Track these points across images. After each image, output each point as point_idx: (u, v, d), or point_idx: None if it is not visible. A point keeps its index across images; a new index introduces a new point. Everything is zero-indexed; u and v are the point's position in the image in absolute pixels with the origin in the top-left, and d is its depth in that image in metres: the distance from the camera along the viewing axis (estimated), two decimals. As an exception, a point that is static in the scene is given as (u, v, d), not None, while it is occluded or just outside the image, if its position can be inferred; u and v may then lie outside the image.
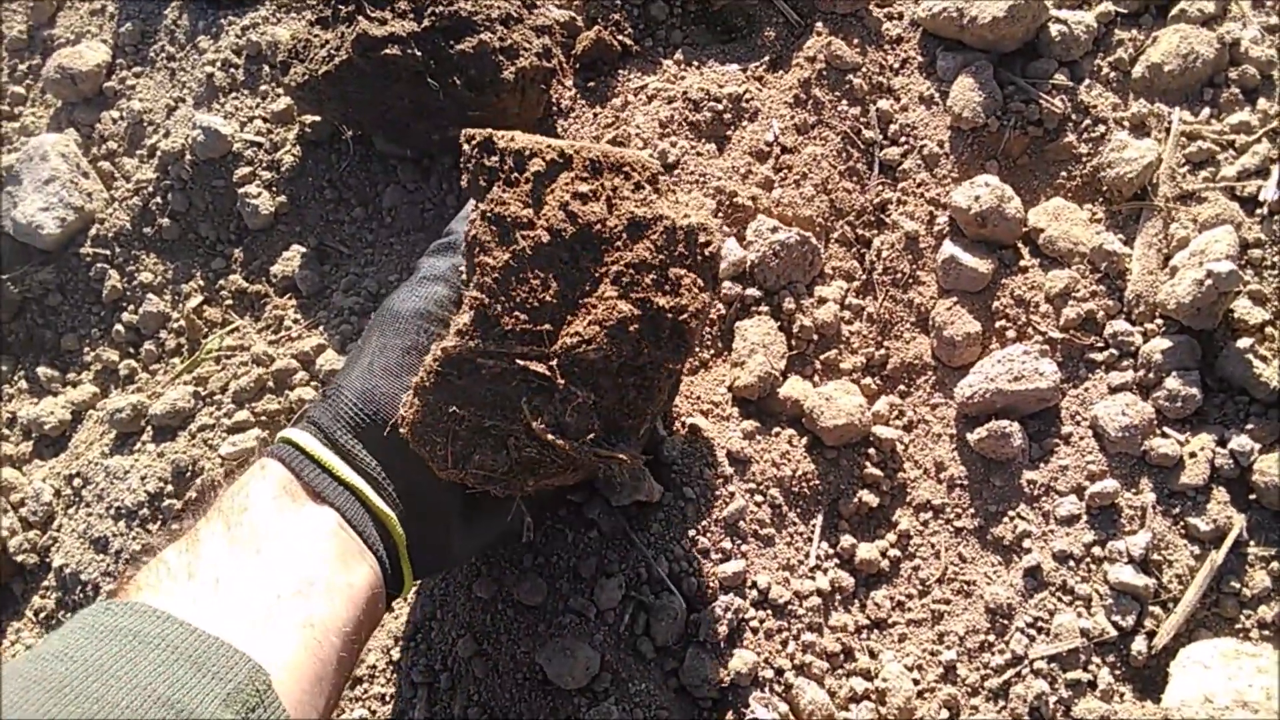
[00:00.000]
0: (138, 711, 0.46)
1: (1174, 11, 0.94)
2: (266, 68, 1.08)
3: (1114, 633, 0.79)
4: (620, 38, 1.04)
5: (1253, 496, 0.80)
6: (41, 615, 0.96)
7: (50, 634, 0.52)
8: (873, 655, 0.84)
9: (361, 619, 0.62)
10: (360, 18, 0.92)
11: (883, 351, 0.92)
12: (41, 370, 1.06)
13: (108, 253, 1.07)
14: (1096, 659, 0.79)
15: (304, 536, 0.62)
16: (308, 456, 0.65)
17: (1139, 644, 0.78)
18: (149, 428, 0.98)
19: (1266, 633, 0.78)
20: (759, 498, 0.87)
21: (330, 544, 0.62)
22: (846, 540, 0.86)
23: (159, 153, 1.07)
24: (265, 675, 0.51)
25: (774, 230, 0.91)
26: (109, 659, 0.48)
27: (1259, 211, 0.86)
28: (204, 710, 0.47)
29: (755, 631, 0.83)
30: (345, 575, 0.62)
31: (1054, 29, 0.94)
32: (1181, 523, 0.81)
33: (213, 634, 0.51)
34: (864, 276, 0.95)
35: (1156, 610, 0.79)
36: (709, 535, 0.85)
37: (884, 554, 0.86)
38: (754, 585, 0.84)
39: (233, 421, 0.95)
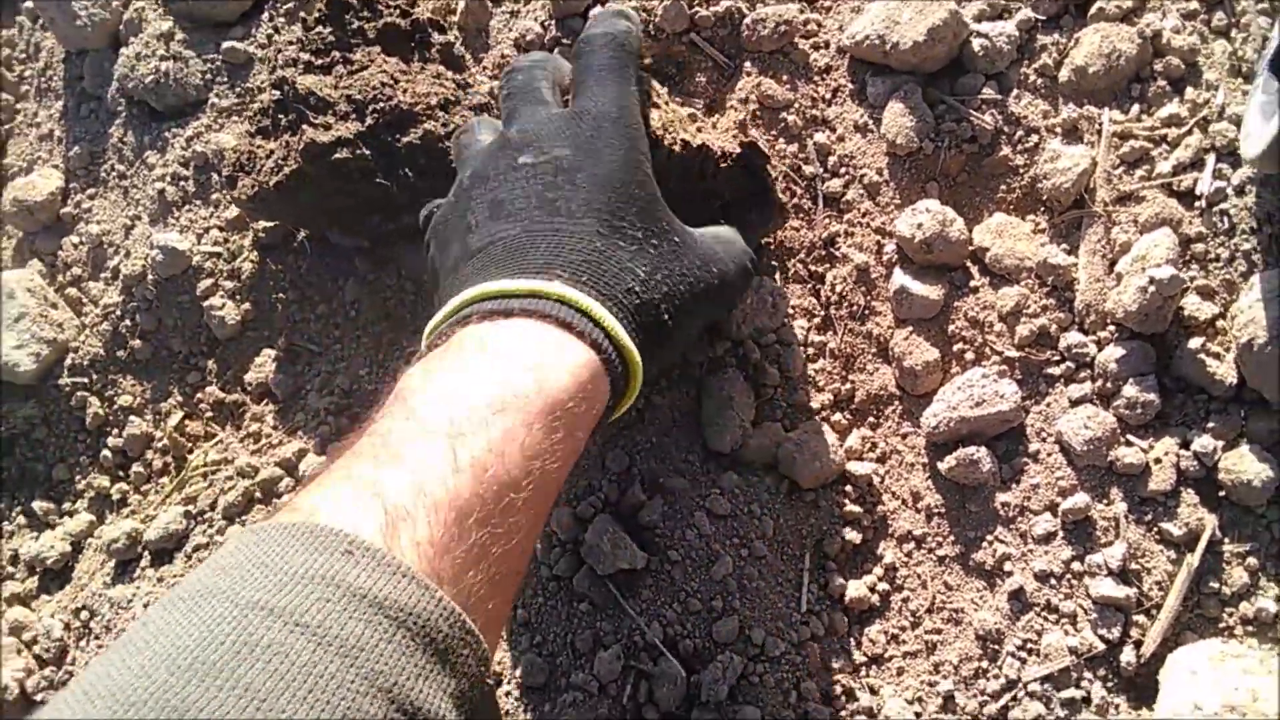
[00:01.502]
0: (375, 717, 0.39)
1: (1092, 10, 0.94)
2: (215, 176, 1.10)
3: (1102, 646, 0.80)
4: (555, 101, 1.05)
5: (1222, 494, 0.81)
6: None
7: (255, 561, 0.43)
8: (873, 692, 0.85)
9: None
10: (305, 126, 0.93)
11: (848, 386, 0.93)
12: (37, 504, 1.09)
13: (86, 380, 1.09)
14: (1088, 674, 0.80)
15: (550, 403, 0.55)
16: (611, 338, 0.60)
17: (1128, 654, 0.80)
18: (146, 553, 1.01)
19: (1250, 628, 0.79)
20: (744, 551, 0.88)
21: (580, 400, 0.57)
22: (835, 581, 0.88)
23: (122, 275, 1.09)
24: (487, 653, 0.46)
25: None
26: (356, 643, 0.41)
27: (1198, 205, 0.87)
28: (439, 715, 0.42)
29: (756, 685, 0.85)
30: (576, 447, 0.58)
31: (976, 43, 0.95)
32: (1155, 529, 0.82)
33: (456, 609, 0.45)
34: (821, 312, 0.96)
35: (1141, 619, 0.80)
36: (699, 595, 0.87)
37: (873, 589, 0.88)
38: (749, 640, 0.86)
39: (225, 537, 0.97)
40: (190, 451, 1.05)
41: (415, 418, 0.52)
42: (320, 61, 0.97)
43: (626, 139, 0.66)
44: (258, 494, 0.99)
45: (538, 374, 0.55)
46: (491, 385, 0.53)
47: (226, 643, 0.38)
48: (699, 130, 0.83)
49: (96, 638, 0.99)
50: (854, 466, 0.90)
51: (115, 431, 1.08)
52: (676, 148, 0.76)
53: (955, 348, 0.90)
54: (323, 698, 0.38)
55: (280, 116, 0.96)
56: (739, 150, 0.82)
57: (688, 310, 0.67)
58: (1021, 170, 0.93)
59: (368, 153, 0.92)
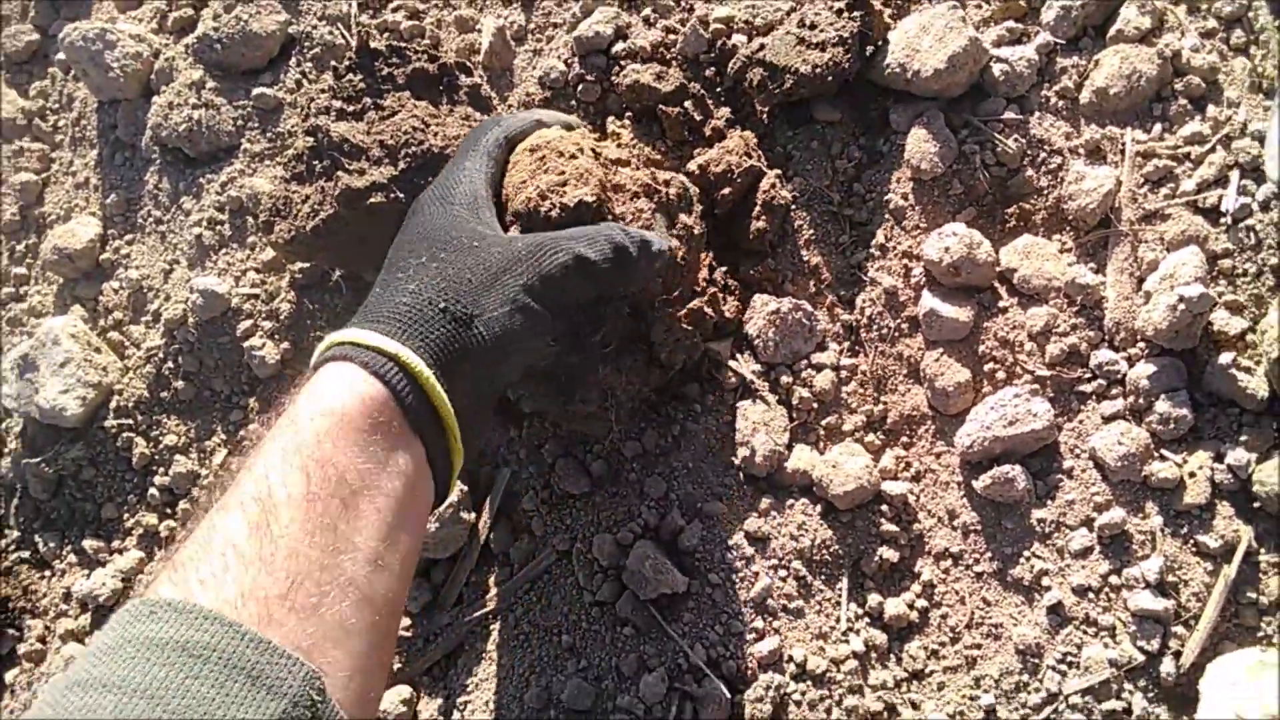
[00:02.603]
0: None
1: (1111, 32, 0.95)
2: (250, 220, 1.12)
3: (1141, 658, 0.81)
4: (581, 135, 1.07)
5: (1256, 506, 0.82)
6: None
7: (91, 645, 0.48)
8: (915, 707, 0.87)
9: (411, 552, 0.62)
10: (339, 171, 0.95)
11: (881, 407, 0.95)
12: (87, 543, 1.11)
13: (131, 421, 1.12)
14: (1129, 686, 0.82)
15: (392, 485, 0.60)
16: (415, 382, 0.63)
17: (1167, 665, 0.81)
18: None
19: (1289, 638, 0.80)
20: (783, 572, 0.90)
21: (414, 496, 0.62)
22: (874, 599, 0.89)
23: (163, 319, 1.12)
24: (319, 679, 0.49)
25: (766, 304, 0.94)
26: (160, 686, 0.44)
27: (1223, 221, 0.88)
28: None
29: (799, 704, 0.86)
30: (416, 536, 0.63)
31: (996, 69, 0.96)
32: (1191, 542, 0.83)
33: (265, 637, 0.48)
34: (853, 336, 0.97)
35: (1179, 630, 0.82)
36: (740, 617, 0.89)
37: (911, 606, 0.89)
38: (791, 659, 0.87)
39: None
40: (235, 489, 1.07)
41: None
42: (352, 108, 0.99)
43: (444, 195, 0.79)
44: (303, 529, 1.01)
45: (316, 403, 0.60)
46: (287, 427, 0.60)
47: (44, 712, 0.45)
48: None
49: (150, 675, 1.01)
50: (889, 486, 0.91)
51: (162, 470, 1.10)
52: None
53: (986, 368, 0.92)
54: None
55: (315, 162, 0.98)
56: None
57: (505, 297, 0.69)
58: (1046, 191, 0.95)
59: (401, 195, 0.95)
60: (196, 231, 1.14)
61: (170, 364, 1.12)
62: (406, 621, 0.97)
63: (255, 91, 1.15)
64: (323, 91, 1.00)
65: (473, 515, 0.97)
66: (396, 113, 0.98)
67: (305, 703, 0.47)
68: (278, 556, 0.51)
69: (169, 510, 1.10)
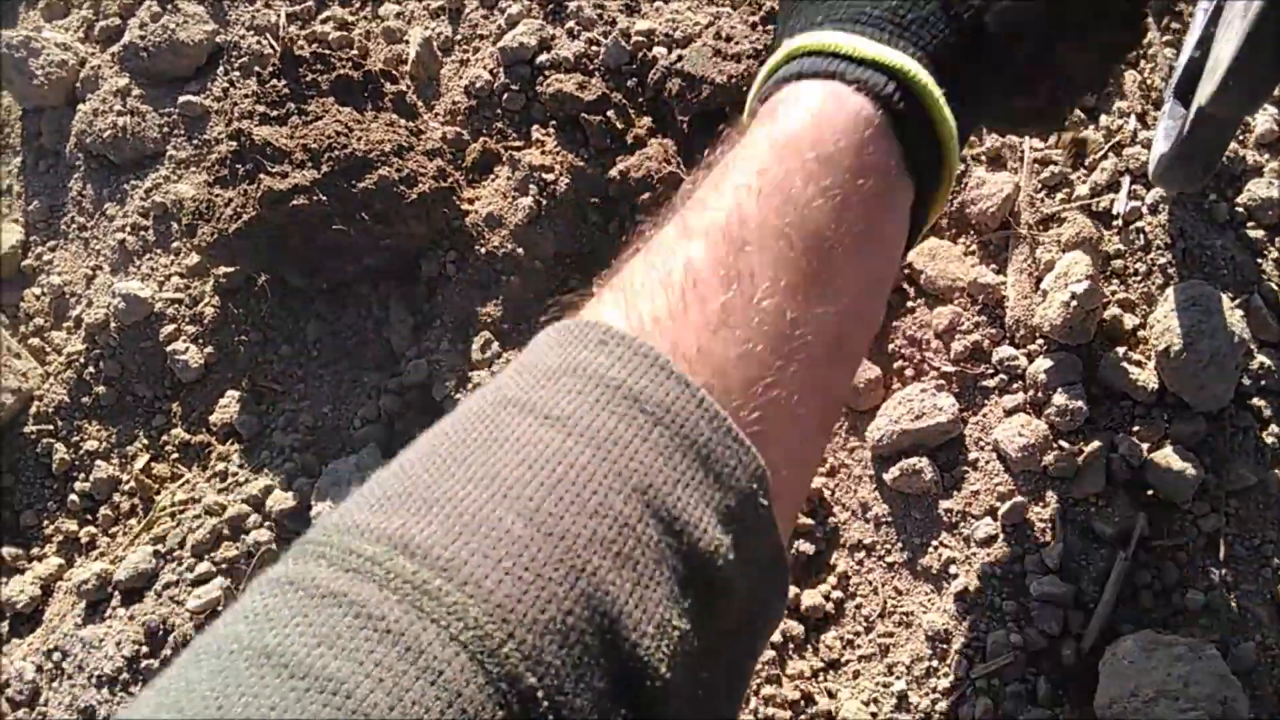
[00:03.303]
0: (628, 518, 0.35)
1: (1010, 46, 1.00)
2: (175, 225, 1.13)
3: (1044, 642, 0.84)
4: (506, 144, 1.09)
5: (1150, 493, 0.86)
6: (42, 796, 1.00)
7: (525, 355, 0.41)
8: (831, 695, 0.89)
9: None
10: (261, 175, 0.96)
11: (797, 405, 0.97)
12: (6, 550, 1.10)
13: (51, 427, 1.11)
14: (1032, 669, 0.84)
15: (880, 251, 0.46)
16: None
17: (1068, 648, 0.84)
18: (116, 593, 1.02)
19: (1181, 618, 0.83)
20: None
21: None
22: (791, 590, 0.92)
23: (85, 324, 1.11)
24: (766, 480, 0.39)
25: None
26: (609, 436, 0.36)
27: (1115, 224, 0.93)
28: (703, 529, 0.36)
29: (717, 695, 0.88)
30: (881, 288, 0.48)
31: (904, 79, 1.00)
32: (1089, 528, 0.86)
33: (722, 412, 0.38)
34: (768, 337, 1.00)
35: (1079, 615, 0.85)
36: (660, 611, 0.90)
37: (827, 597, 0.91)
38: (709, 651, 0.89)
39: (195, 575, 0.99)
40: (158, 493, 1.06)
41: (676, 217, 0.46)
42: (276, 113, 1.00)
43: None
44: (226, 531, 1.01)
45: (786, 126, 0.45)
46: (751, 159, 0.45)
47: (477, 437, 0.37)
48: None
49: (69, 678, 1.00)
50: (805, 482, 0.94)
51: (82, 476, 1.10)
52: None
53: (895, 365, 0.95)
54: (572, 489, 0.34)
55: (238, 167, 0.99)
56: None
57: None
58: (951, 197, 0.99)
59: (324, 198, 0.96)
60: (120, 237, 1.14)
61: (91, 369, 1.11)
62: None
63: (181, 99, 1.16)
64: (247, 96, 1.01)
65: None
66: (320, 118, 0.99)
67: (751, 504, 0.38)
68: (742, 306, 0.41)
69: (89, 516, 1.09)
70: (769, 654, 0.89)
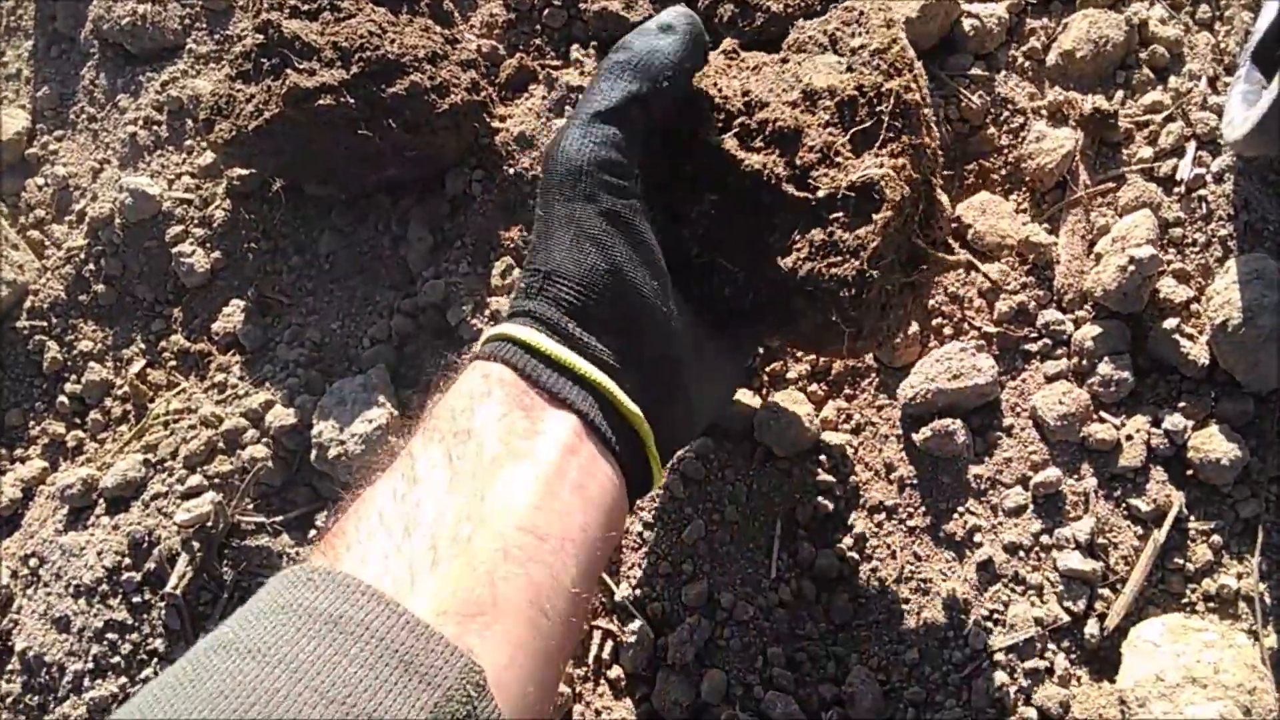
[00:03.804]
0: None
1: (1081, -3, 0.95)
2: (190, 122, 1.08)
3: (1067, 618, 0.81)
4: (543, 62, 1.04)
5: (1190, 473, 0.82)
6: (8, 700, 0.96)
7: (243, 608, 0.45)
8: (838, 661, 0.85)
9: (598, 556, 0.56)
10: (288, 70, 0.91)
11: (825, 358, 0.93)
12: (-11, 448, 1.06)
13: (45, 324, 1.07)
14: (1052, 645, 0.81)
15: (540, 471, 0.53)
16: (539, 354, 0.56)
17: (1092, 627, 0.80)
18: (101, 500, 0.98)
19: (1212, 604, 0.80)
20: (716, 516, 0.88)
21: (571, 465, 0.54)
22: (805, 549, 0.88)
23: (88, 218, 1.07)
24: (479, 673, 0.43)
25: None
26: (306, 659, 0.40)
27: (1176, 190, 0.88)
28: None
29: (723, 650, 0.84)
30: (582, 513, 0.54)
31: (967, 24, 0.95)
32: (1123, 505, 0.83)
33: (423, 620, 0.43)
34: (801, 284, 0.96)
35: (1106, 593, 0.81)
36: (669, 558, 0.87)
37: (842, 558, 0.88)
38: (718, 604, 0.86)
39: (186, 487, 0.95)
40: (151, 400, 1.02)
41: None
42: (307, 7, 0.95)
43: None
44: (221, 444, 0.97)
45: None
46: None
47: (186, 679, 0.41)
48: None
49: (46, 585, 0.97)
50: (829, 436, 0.90)
51: (73, 378, 1.05)
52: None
53: (934, 322, 0.91)
54: (265, 711, 0.38)
55: (263, 61, 0.94)
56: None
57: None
58: (1006, 150, 0.94)
59: (352, 101, 0.91)
60: (131, 130, 1.09)
61: (92, 266, 1.07)
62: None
63: (205, -9, 1.11)
64: (276, -13, 0.96)
65: (401, 441, 0.94)
66: (353, 16, 0.94)
67: (461, 697, 0.42)
68: (422, 517, 0.48)
69: (78, 420, 1.05)
70: (779, 613, 0.85)
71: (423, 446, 0.53)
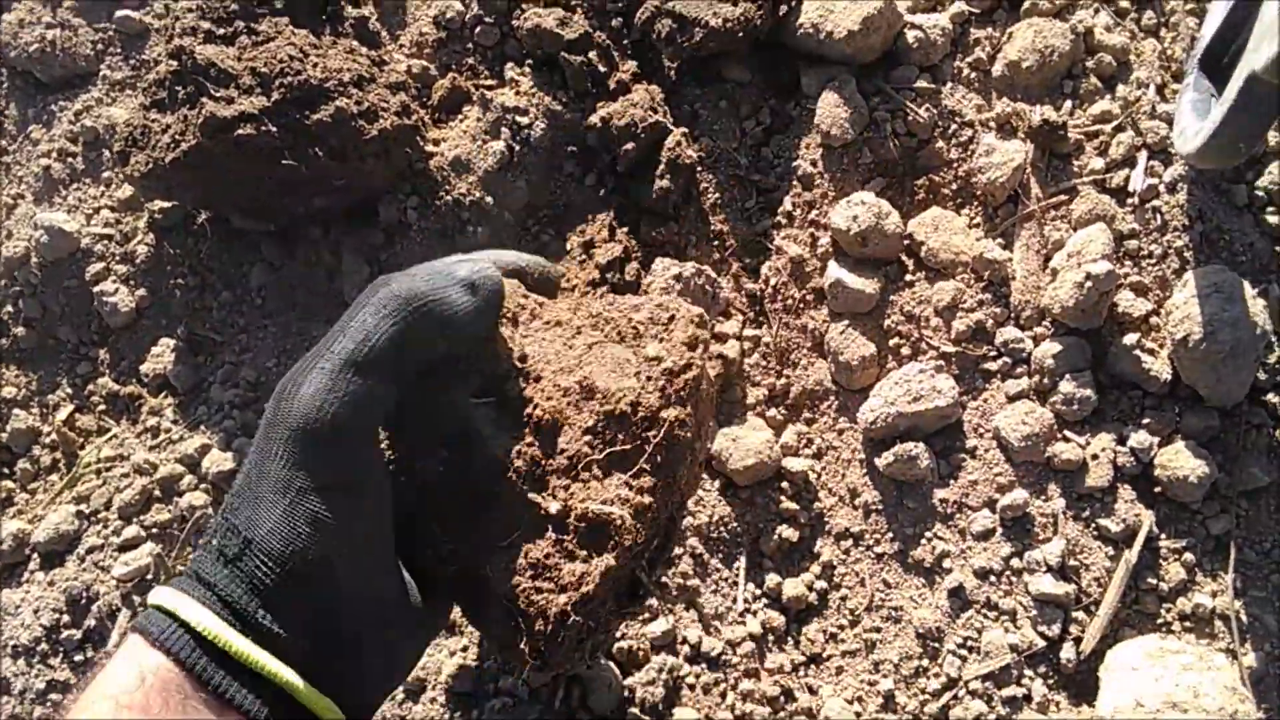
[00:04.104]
0: None
1: (1025, 5, 0.94)
2: (107, 153, 1.02)
3: (1041, 643, 0.80)
4: (477, 82, 1.00)
5: (1158, 490, 0.81)
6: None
7: None
8: (812, 692, 0.83)
9: None
10: (204, 99, 0.87)
11: (784, 381, 0.91)
12: (-93, 505, 0.99)
13: (-39, 371, 1.00)
14: (1029, 672, 0.80)
15: None
16: (205, 641, 0.48)
17: (1067, 651, 0.79)
18: (35, 555, 0.93)
19: (1188, 624, 0.79)
20: (678, 549, 0.85)
21: None
22: (772, 578, 0.86)
23: (2, 258, 1.00)
24: None
25: (669, 268, 0.89)
26: None
27: (1130, 201, 0.87)
28: None
29: (692, 688, 0.82)
30: None
31: (910, 35, 0.94)
32: (1093, 525, 0.82)
33: None
34: (757, 306, 0.93)
35: (1080, 615, 0.80)
36: (632, 597, 0.84)
37: (810, 587, 0.86)
38: (685, 640, 0.83)
39: (122, 539, 0.90)
40: (82, 447, 0.97)
41: None
42: (223, 31, 0.90)
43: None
44: (157, 492, 0.92)
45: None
46: None
47: None
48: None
49: (-25, 651, 0.91)
50: (790, 463, 0.88)
51: (-4, 427, 1.00)
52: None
53: (891, 342, 0.89)
54: None
55: (178, 89, 0.89)
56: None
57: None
58: (956, 164, 0.92)
59: (274, 129, 0.87)
60: (45, 163, 1.03)
61: (10, 308, 1.01)
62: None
63: (118, 14, 1.05)
64: (190, 11, 0.91)
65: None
66: (272, 39, 0.90)
67: None
68: None
69: (5, 470, 0.99)
70: (748, 646, 0.83)
71: None
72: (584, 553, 0.55)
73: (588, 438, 0.56)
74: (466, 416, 0.57)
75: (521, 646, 0.55)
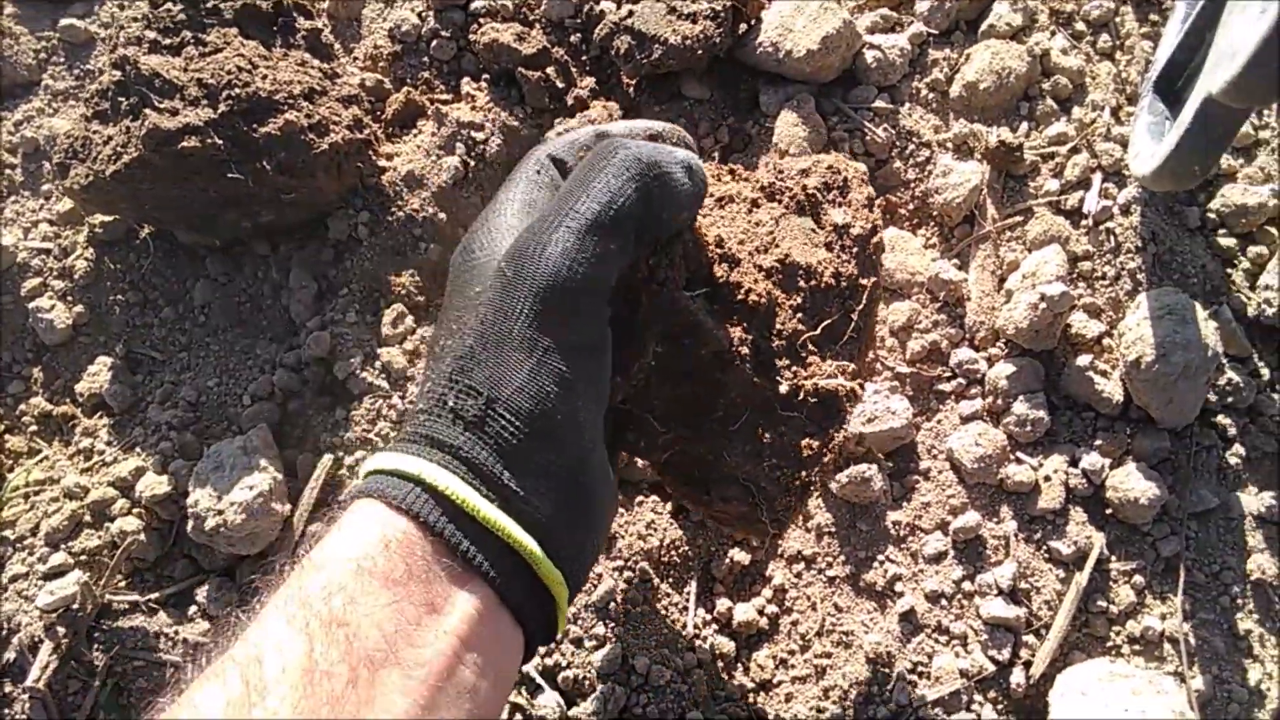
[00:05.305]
0: None
1: (983, 27, 0.94)
2: (46, 164, 1.00)
3: (992, 668, 0.78)
4: (432, 96, 0.99)
5: (1109, 512, 0.81)
6: None
7: None
8: (762, 719, 0.82)
9: None
10: (147, 110, 0.84)
11: (736, 401, 0.90)
12: None
13: (-112, 388, 0.97)
14: (979, 697, 0.78)
15: (422, 684, 0.44)
16: (461, 512, 0.47)
17: (1017, 675, 0.78)
18: (-44, 582, 0.89)
19: (1137, 647, 0.78)
20: (628, 574, 0.83)
21: (465, 664, 0.46)
22: (723, 604, 0.84)
23: (-66, 271, 0.98)
24: None
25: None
26: None
27: (1084, 223, 0.87)
28: None
29: (639, 717, 0.80)
30: (468, 715, 0.46)
31: (869, 55, 0.93)
32: (1044, 548, 0.81)
33: None
34: (709, 325, 0.92)
35: (1030, 639, 0.79)
36: (580, 622, 0.82)
37: (761, 612, 0.84)
38: (633, 669, 0.81)
39: (48, 567, 0.87)
40: (10, 470, 0.94)
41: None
42: (169, 41, 0.88)
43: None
44: (87, 517, 0.89)
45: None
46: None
47: None
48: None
49: (-108, 680, 0.87)
50: (742, 485, 0.86)
51: (-78, 446, 0.96)
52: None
53: (846, 363, 0.88)
54: None
55: (121, 100, 0.87)
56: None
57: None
58: (913, 184, 0.92)
59: (220, 142, 0.85)
60: (-19, 175, 1.00)
61: (-60, 323, 0.98)
62: (205, 625, 0.86)
63: (63, 23, 1.03)
64: (136, 20, 0.89)
65: (287, 507, 0.87)
66: (220, 50, 0.88)
67: None
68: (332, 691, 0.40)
69: (-71, 491, 0.96)
70: (698, 674, 0.81)
71: (280, 630, 0.43)
72: (815, 427, 0.57)
73: (800, 315, 0.57)
74: (688, 309, 0.55)
75: (762, 519, 0.58)
